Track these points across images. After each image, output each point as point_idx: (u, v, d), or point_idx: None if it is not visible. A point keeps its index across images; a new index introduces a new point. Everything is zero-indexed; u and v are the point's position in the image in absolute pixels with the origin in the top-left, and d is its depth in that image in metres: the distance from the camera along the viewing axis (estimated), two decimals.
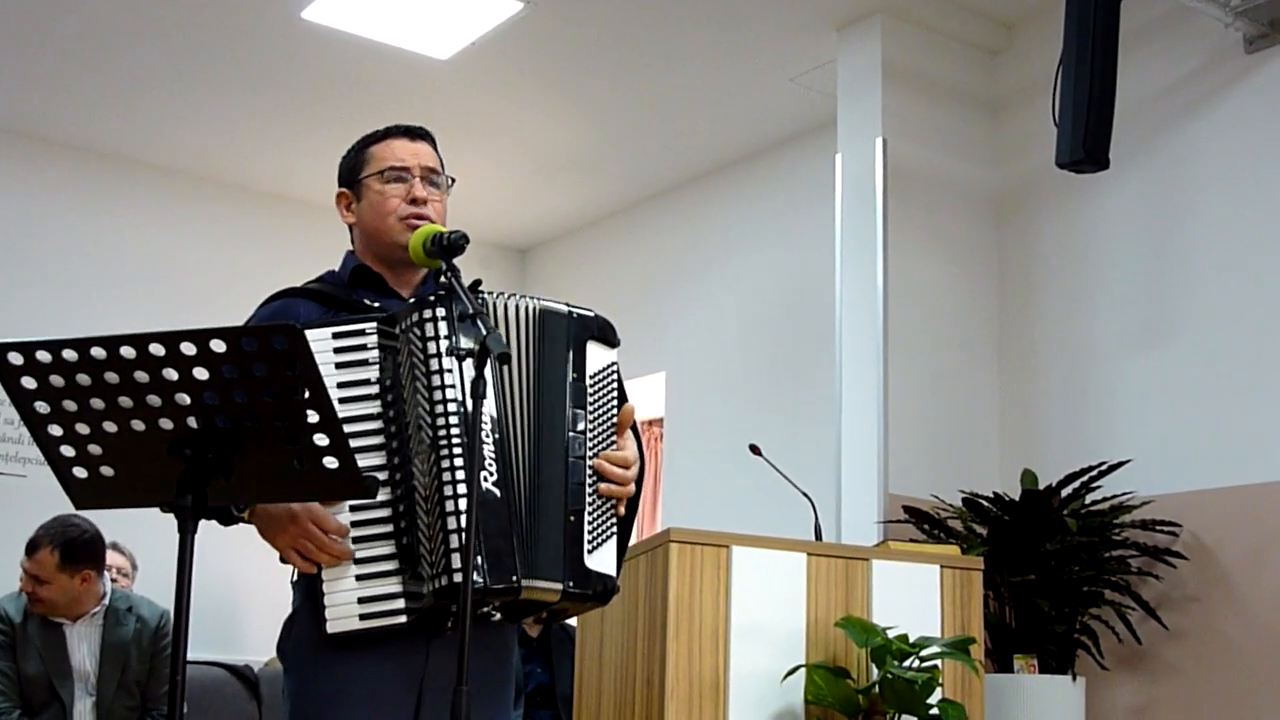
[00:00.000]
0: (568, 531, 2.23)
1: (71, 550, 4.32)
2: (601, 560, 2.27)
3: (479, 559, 2.11)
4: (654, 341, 7.11)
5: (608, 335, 2.40)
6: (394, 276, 2.48)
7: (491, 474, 2.19)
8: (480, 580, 2.11)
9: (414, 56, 5.86)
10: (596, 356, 2.36)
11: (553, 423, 2.28)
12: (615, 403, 2.38)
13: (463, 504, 2.12)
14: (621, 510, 2.34)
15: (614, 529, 2.31)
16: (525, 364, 2.30)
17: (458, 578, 2.09)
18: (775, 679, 3.67)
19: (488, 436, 2.20)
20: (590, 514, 2.27)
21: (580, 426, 2.29)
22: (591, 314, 2.40)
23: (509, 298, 2.33)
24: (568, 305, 2.37)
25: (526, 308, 2.33)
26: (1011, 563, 4.67)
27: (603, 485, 2.29)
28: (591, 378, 2.34)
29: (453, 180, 2.55)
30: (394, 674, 2.23)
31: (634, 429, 2.43)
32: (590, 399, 2.32)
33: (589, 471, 2.28)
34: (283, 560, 2.32)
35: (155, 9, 5.54)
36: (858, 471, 5.19)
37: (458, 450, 2.16)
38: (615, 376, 2.40)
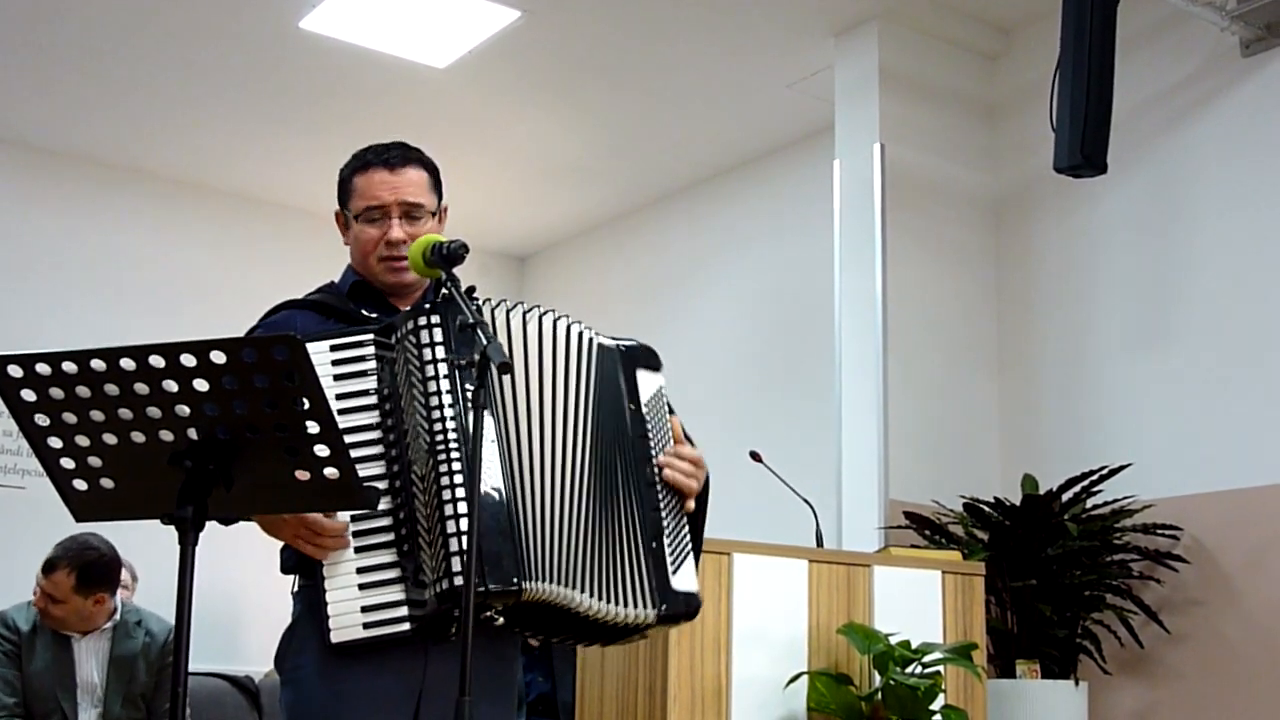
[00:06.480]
0: (653, 559, 2.25)
1: (88, 573, 4.33)
2: (684, 579, 2.28)
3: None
4: (653, 347, 7.09)
5: (652, 361, 2.43)
6: (392, 295, 2.48)
7: (491, 478, 2.18)
8: (479, 582, 2.10)
9: (412, 65, 5.86)
10: (647, 383, 2.39)
11: (614, 452, 2.29)
12: (668, 423, 2.40)
13: (462, 508, 2.11)
14: (691, 505, 2.34)
15: (689, 546, 2.32)
16: (553, 378, 2.29)
17: (458, 581, 2.08)
18: (777, 686, 3.67)
19: (489, 445, 2.19)
20: (669, 536, 2.29)
21: (649, 456, 2.31)
22: (634, 343, 2.42)
23: (544, 314, 2.32)
24: (614, 339, 2.39)
25: (573, 331, 2.33)
26: (1013, 568, 4.66)
27: (668, 473, 2.31)
28: (646, 404, 2.37)
29: (445, 207, 2.50)
30: (392, 683, 2.22)
31: (685, 434, 2.44)
32: (649, 426, 2.35)
33: (660, 495, 2.30)
34: (283, 570, 2.32)
35: (153, 18, 5.54)
36: (858, 477, 5.18)
37: (455, 456, 2.15)
38: (664, 399, 2.42)
